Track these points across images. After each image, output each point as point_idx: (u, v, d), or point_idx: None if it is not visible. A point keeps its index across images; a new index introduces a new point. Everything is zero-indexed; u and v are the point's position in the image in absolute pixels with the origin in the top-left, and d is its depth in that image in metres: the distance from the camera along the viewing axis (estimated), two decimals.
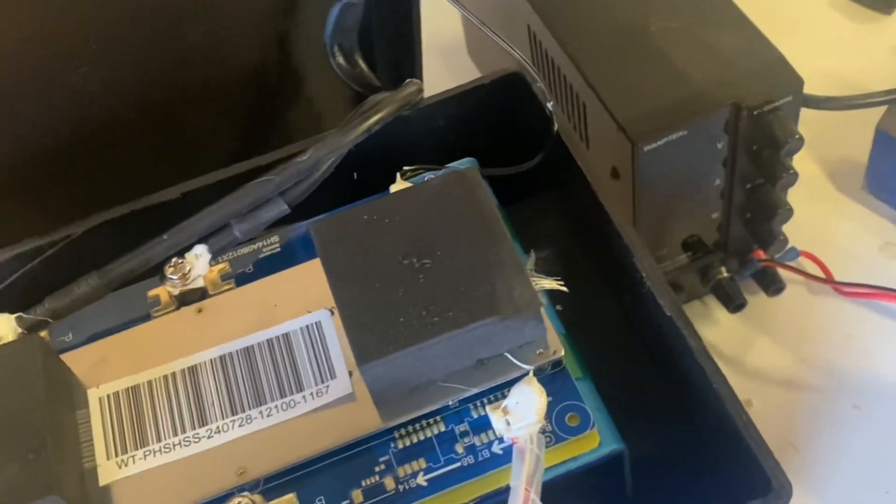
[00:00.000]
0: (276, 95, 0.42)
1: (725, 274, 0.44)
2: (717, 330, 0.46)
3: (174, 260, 0.30)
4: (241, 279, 0.31)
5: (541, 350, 0.28)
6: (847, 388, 0.43)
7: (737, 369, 0.45)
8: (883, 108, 0.45)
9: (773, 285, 0.45)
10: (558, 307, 0.32)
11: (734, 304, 0.44)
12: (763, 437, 0.42)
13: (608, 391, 0.29)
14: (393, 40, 0.42)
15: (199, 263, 0.30)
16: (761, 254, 0.44)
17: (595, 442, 0.27)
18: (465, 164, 0.33)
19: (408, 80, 0.35)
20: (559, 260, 0.33)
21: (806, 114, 0.46)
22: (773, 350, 0.45)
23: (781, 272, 0.45)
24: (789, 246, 0.44)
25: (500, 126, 0.35)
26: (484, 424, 0.28)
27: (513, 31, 0.47)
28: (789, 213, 0.41)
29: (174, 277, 0.30)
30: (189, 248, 0.31)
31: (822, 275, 0.45)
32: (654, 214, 0.41)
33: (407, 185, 0.32)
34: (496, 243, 0.28)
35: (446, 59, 0.58)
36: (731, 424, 0.25)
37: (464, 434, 0.28)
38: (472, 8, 0.56)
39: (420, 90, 0.34)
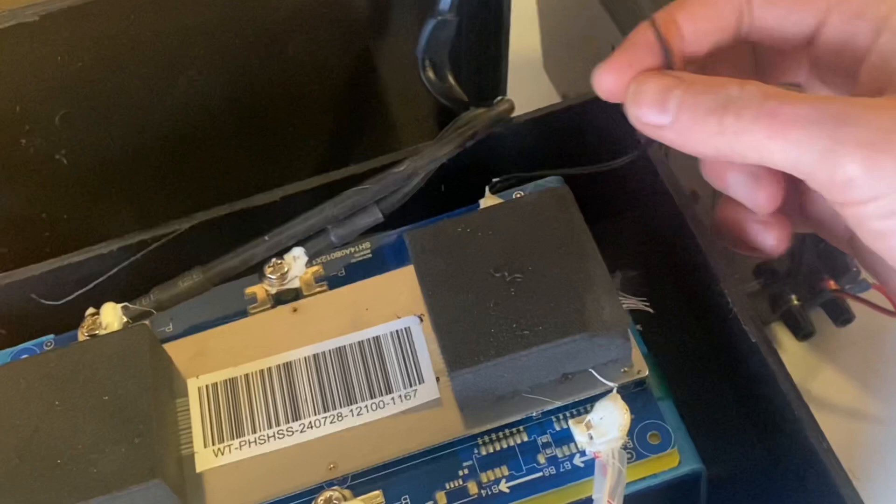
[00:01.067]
0: (367, 107, 0.43)
1: (795, 302, 0.45)
2: (784, 357, 0.45)
3: (273, 260, 0.32)
4: (334, 282, 0.33)
5: (625, 368, 0.29)
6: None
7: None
8: None
9: (842, 316, 0.45)
10: (639, 327, 0.32)
11: (803, 332, 0.45)
12: None
13: (687, 411, 0.29)
14: (481, 57, 0.43)
15: (296, 265, 0.31)
16: (832, 283, 0.44)
17: (675, 461, 0.28)
18: (551, 182, 0.34)
19: (500, 98, 0.36)
20: (641, 280, 0.34)
21: None
22: (839, 380, 0.45)
23: (851, 303, 0.45)
24: (861, 277, 0.44)
25: (586, 147, 0.36)
26: (566, 437, 0.28)
27: (594, 56, 0.47)
28: None
29: (273, 277, 0.32)
30: (288, 249, 0.32)
31: (892, 308, 0.45)
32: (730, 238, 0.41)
33: (495, 198, 0.33)
34: (587, 261, 0.29)
35: (523, 75, 0.59)
36: (811, 450, 0.26)
37: (546, 445, 0.29)
38: (553, 29, 0.57)
39: (512, 108, 0.35)
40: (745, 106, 0.24)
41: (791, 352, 0.46)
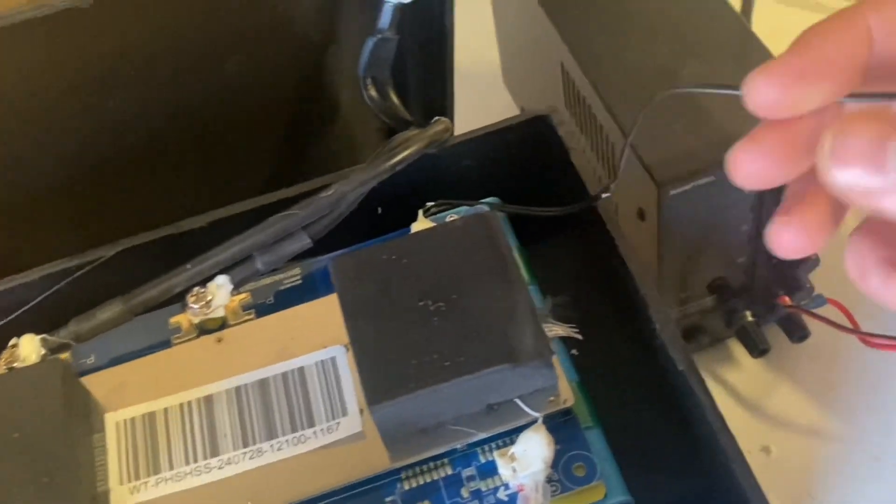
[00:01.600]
0: (310, 126, 0.43)
1: (750, 318, 0.44)
2: (740, 374, 0.45)
3: (196, 289, 0.31)
4: (262, 310, 0.32)
5: (552, 398, 0.28)
6: (868, 440, 0.43)
7: (757, 415, 0.44)
8: None
9: (797, 332, 0.44)
10: (574, 352, 0.32)
11: (758, 349, 0.44)
12: (780, 484, 0.42)
13: (620, 440, 0.29)
14: (426, 75, 0.43)
15: (220, 293, 0.31)
16: (787, 300, 0.44)
17: (601, 493, 0.27)
18: (487, 203, 0.34)
19: (436, 119, 0.35)
20: (579, 303, 0.33)
21: None
22: (795, 397, 0.45)
23: (807, 319, 0.44)
24: (816, 293, 0.43)
25: (526, 167, 0.35)
26: (491, 469, 0.28)
27: (547, 68, 0.47)
28: (816, 261, 0.41)
29: (195, 306, 0.31)
30: (212, 277, 0.31)
31: (848, 324, 0.44)
32: (680, 257, 0.41)
33: (428, 222, 0.32)
34: (511, 289, 0.28)
35: (482, 88, 0.59)
36: (736, 482, 0.25)
37: (470, 478, 0.28)
38: (508, 44, 0.56)
39: (448, 129, 0.34)
40: None
41: (747, 369, 0.45)
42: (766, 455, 0.43)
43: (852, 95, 0.21)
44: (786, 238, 0.23)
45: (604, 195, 0.33)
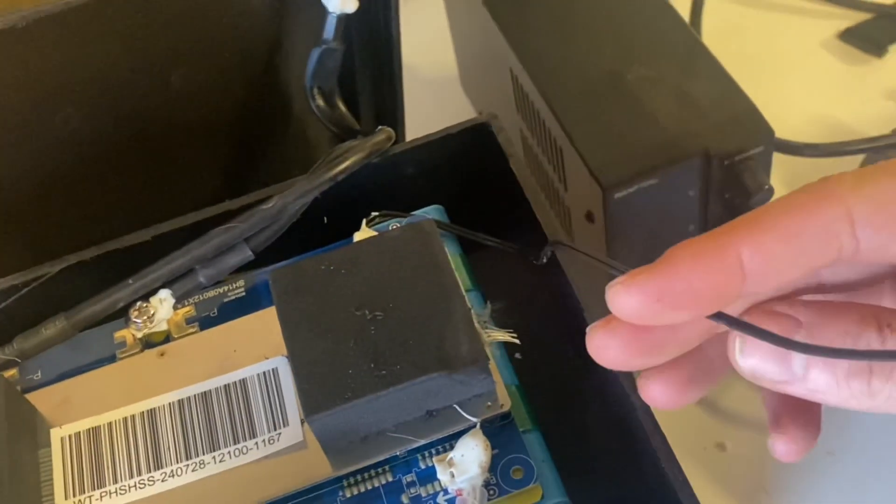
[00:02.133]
0: (264, 136, 0.43)
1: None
2: None
3: (139, 304, 0.31)
4: (206, 323, 0.32)
5: (489, 402, 0.28)
6: (823, 435, 0.43)
7: (712, 412, 0.45)
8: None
9: None
10: (517, 355, 0.32)
11: None
12: (735, 480, 0.42)
13: (561, 443, 0.29)
14: (375, 83, 0.43)
15: (162, 307, 0.31)
16: None
17: (538, 496, 0.28)
18: (430, 212, 0.34)
19: (379, 128, 0.35)
20: (523, 309, 0.33)
21: (788, 160, 0.46)
22: (750, 394, 0.45)
23: None
24: None
25: (469, 174, 0.36)
26: (431, 475, 0.28)
27: (497, 73, 0.47)
28: None
29: (138, 321, 0.31)
30: (154, 291, 0.31)
31: None
32: (628, 258, 0.41)
33: (370, 232, 0.33)
34: (447, 296, 0.28)
35: (442, 94, 0.59)
36: (667, 483, 0.26)
37: (411, 484, 0.28)
38: (463, 49, 0.57)
39: (390, 138, 0.35)
40: None
41: None
42: (720, 451, 0.44)
43: (716, 316, 0.21)
44: (654, 391, 0.23)
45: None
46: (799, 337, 0.20)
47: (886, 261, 0.21)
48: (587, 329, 0.23)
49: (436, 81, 0.59)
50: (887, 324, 0.19)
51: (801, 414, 0.24)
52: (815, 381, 0.20)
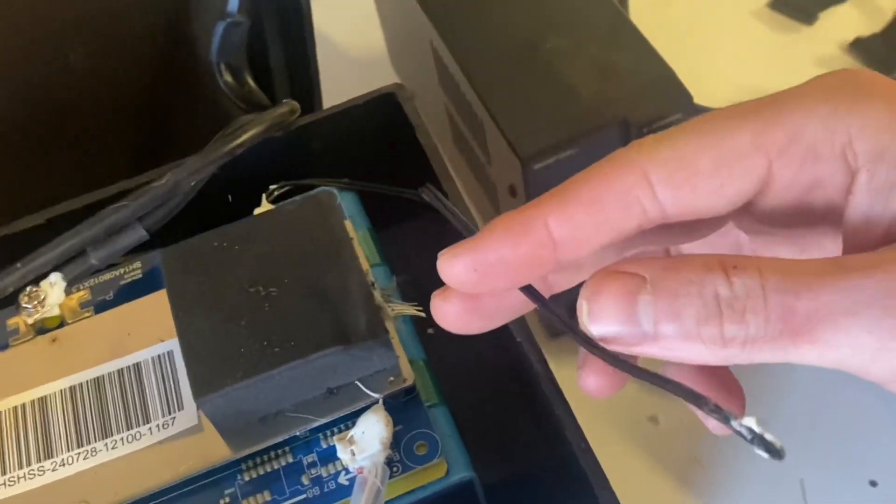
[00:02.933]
0: (169, 116, 0.42)
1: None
2: None
3: (29, 288, 0.30)
4: (101, 307, 0.31)
5: (392, 378, 0.28)
6: (753, 403, 0.43)
7: (645, 385, 0.44)
8: None
9: None
10: (430, 331, 0.31)
11: None
12: (668, 452, 0.42)
13: (470, 418, 0.28)
14: (289, 60, 0.42)
15: (53, 291, 0.30)
16: None
17: (442, 471, 0.27)
18: (333, 184, 0.33)
19: (284, 101, 0.34)
20: (436, 283, 0.32)
21: None
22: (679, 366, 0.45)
23: None
24: None
25: (377, 146, 0.35)
26: (333, 455, 0.27)
27: (420, 49, 0.46)
28: None
29: (29, 306, 0.30)
30: (45, 275, 0.30)
31: None
32: None
33: (271, 206, 0.32)
34: (345, 271, 0.28)
35: (370, 73, 0.58)
36: (571, 451, 0.25)
37: (312, 465, 0.27)
38: (387, 28, 0.56)
39: (294, 110, 0.34)
40: (748, 309, 0.18)
41: None
42: (654, 424, 0.43)
43: (525, 290, 0.21)
44: (591, 383, 0.23)
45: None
46: (644, 293, 0.19)
47: (699, 216, 0.21)
48: (431, 298, 0.23)
49: (365, 61, 0.58)
50: (732, 266, 0.19)
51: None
52: (666, 334, 0.19)
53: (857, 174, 0.20)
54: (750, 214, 0.22)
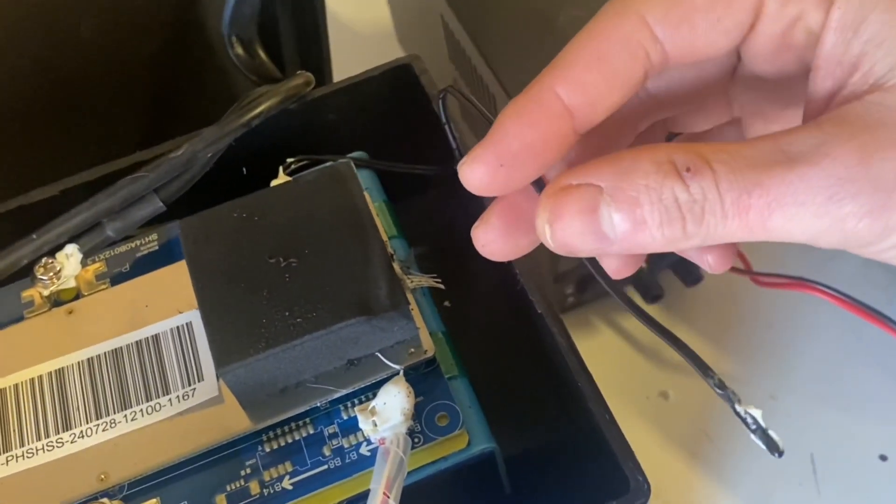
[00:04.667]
0: (179, 87, 0.41)
1: (643, 265, 0.44)
2: (635, 320, 0.45)
3: (44, 260, 0.30)
4: (117, 279, 0.31)
5: (412, 349, 0.27)
6: (764, 379, 0.43)
7: (655, 361, 0.44)
8: None
9: (690, 276, 0.44)
10: (447, 303, 0.31)
11: (651, 294, 0.44)
12: (678, 427, 0.42)
13: (490, 389, 0.28)
14: (299, 33, 0.42)
15: (69, 263, 0.29)
16: None
17: (464, 442, 0.27)
18: (352, 158, 0.33)
19: (299, 73, 0.34)
20: (452, 255, 0.32)
21: None
22: (692, 341, 0.44)
23: None
24: None
25: (393, 118, 0.34)
26: (354, 426, 0.27)
27: (428, 22, 0.46)
28: None
29: (44, 278, 0.29)
30: (61, 247, 0.30)
31: (741, 265, 0.44)
32: None
33: (287, 178, 0.31)
34: (365, 241, 0.27)
35: (376, 49, 0.58)
36: (594, 423, 0.25)
37: (333, 436, 0.27)
38: (394, 2, 0.55)
39: (309, 82, 0.33)
40: (707, 210, 0.19)
41: None
42: (664, 400, 0.43)
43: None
44: (487, 239, 0.23)
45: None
46: (604, 204, 0.19)
47: (699, 57, 0.21)
48: (471, 233, 0.22)
49: (370, 36, 0.58)
50: (686, 168, 0.19)
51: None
52: (630, 240, 0.19)
53: (832, 9, 0.20)
54: (742, 68, 0.22)
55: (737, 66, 0.23)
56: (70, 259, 0.29)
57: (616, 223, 0.19)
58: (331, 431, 0.27)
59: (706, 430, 0.42)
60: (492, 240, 0.22)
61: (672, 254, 0.44)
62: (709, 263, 0.24)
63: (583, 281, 0.43)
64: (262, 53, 0.39)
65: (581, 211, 0.19)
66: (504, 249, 0.22)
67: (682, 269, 0.45)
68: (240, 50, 0.38)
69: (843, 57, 0.20)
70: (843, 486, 0.40)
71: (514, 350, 0.32)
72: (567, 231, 0.20)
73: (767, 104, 0.24)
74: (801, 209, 0.19)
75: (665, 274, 0.45)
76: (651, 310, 0.45)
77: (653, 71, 0.21)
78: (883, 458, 0.41)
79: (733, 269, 0.44)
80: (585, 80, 0.20)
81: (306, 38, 0.41)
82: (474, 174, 0.20)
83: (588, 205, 0.19)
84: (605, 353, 0.44)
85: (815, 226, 0.19)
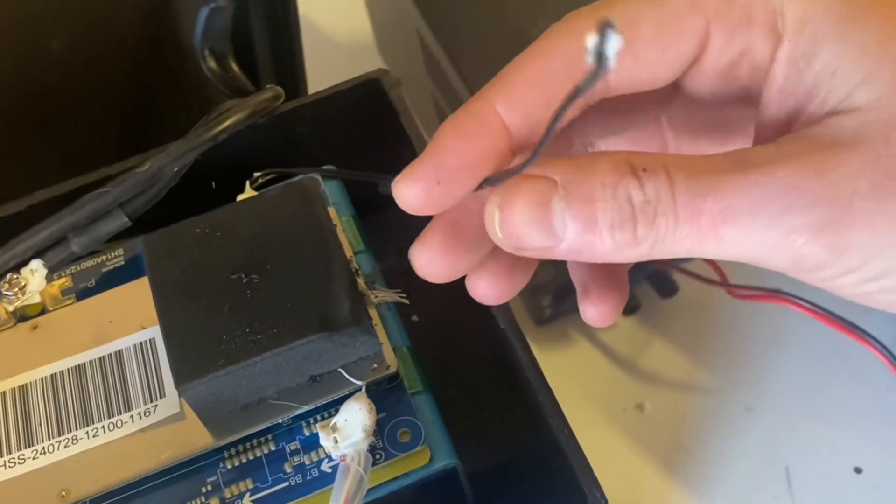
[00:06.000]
0: (152, 101, 0.41)
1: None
2: (612, 332, 0.45)
3: (9, 275, 0.30)
4: (83, 294, 0.31)
5: (375, 365, 0.27)
6: (740, 391, 0.43)
7: (631, 372, 0.44)
8: None
9: (666, 288, 0.45)
10: (414, 318, 0.31)
11: (628, 306, 0.44)
12: (654, 440, 0.42)
13: (458, 404, 0.28)
14: (274, 46, 0.42)
15: (34, 278, 0.29)
16: None
17: (426, 458, 0.27)
18: (318, 171, 0.33)
19: (268, 87, 0.34)
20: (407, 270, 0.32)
21: None
22: (668, 353, 0.45)
23: (675, 275, 0.45)
24: None
25: (362, 133, 0.34)
26: (315, 442, 0.27)
27: (405, 36, 0.46)
28: None
29: (9, 293, 0.29)
30: (26, 262, 0.30)
31: (716, 277, 0.44)
32: None
33: (254, 192, 0.31)
34: (328, 257, 0.27)
35: (357, 61, 0.58)
36: (554, 438, 0.25)
37: (294, 453, 0.27)
38: (374, 15, 0.55)
39: (278, 96, 0.33)
40: (659, 212, 0.19)
41: (620, 327, 0.45)
42: (640, 412, 0.43)
43: (486, 182, 0.20)
44: (481, 288, 0.23)
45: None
46: (557, 198, 0.19)
47: (641, 87, 0.21)
48: (409, 255, 0.22)
49: (352, 47, 0.58)
50: (642, 168, 0.19)
51: (607, 278, 0.24)
52: (578, 239, 0.19)
53: (781, 43, 0.20)
54: (681, 97, 0.22)
55: (674, 95, 0.23)
56: (35, 274, 0.29)
57: (567, 221, 0.19)
58: (292, 448, 0.27)
59: (682, 443, 0.42)
60: (430, 261, 0.22)
61: (648, 265, 0.44)
62: (591, 315, 0.24)
63: (560, 293, 0.43)
64: (234, 67, 0.39)
65: (533, 202, 0.19)
66: (443, 271, 0.22)
67: (657, 280, 0.45)
68: (213, 63, 0.38)
69: (797, 87, 0.20)
70: (818, 499, 0.40)
71: (480, 365, 0.32)
72: (516, 220, 0.19)
73: (703, 131, 0.24)
74: (755, 218, 0.18)
75: (641, 286, 0.45)
76: (628, 322, 0.45)
77: (593, 97, 0.20)
78: (858, 470, 0.41)
79: (709, 281, 0.44)
80: (526, 99, 0.20)
81: (281, 51, 0.42)
82: (410, 191, 0.20)
83: (541, 196, 0.19)
84: (582, 365, 0.44)
85: (766, 239, 0.19)
